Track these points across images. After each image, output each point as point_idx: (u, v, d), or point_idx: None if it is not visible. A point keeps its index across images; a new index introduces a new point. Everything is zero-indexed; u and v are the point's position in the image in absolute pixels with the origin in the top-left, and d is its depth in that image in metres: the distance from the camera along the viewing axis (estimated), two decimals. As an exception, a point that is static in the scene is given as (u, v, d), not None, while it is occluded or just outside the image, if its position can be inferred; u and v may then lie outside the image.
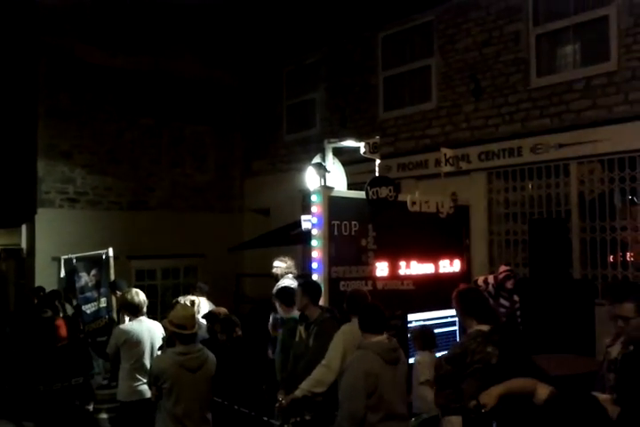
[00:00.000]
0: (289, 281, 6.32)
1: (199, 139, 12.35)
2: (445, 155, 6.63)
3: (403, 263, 5.98)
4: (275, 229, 10.41)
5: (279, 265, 6.60)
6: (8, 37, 11.56)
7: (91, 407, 7.26)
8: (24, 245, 10.66)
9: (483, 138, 8.74)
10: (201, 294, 7.21)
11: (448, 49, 9.31)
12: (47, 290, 8.89)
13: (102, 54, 10.98)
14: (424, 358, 5.16)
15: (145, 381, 4.99)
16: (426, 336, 5.32)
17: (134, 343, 5.11)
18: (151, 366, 4.21)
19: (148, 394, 5.16)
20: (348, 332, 4.49)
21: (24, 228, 10.62)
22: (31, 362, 7.63)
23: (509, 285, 6.33)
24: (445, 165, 6.62)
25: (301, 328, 5.03)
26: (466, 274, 6.69)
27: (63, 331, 7.83)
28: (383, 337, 4.06)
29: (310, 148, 10.06)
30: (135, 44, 11.37)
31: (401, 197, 5.93)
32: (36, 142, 10.50)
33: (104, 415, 6.99)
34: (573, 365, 4.94)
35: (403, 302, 5.91)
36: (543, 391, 2.51)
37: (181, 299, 7.10)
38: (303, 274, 8.42)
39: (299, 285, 5.28)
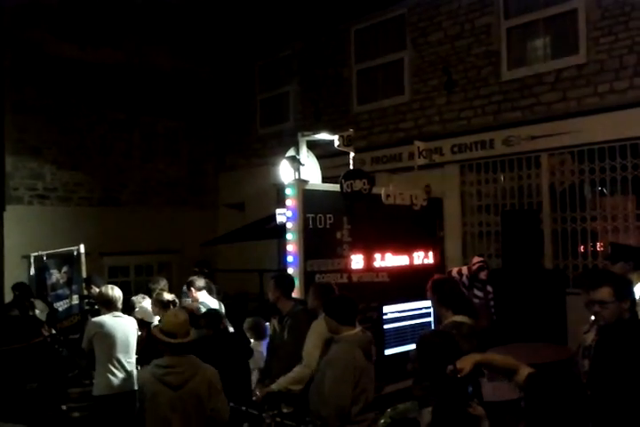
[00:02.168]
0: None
1: (172, 133, 12.20)
2: (418, 148, 6.68)
3: (378, 255, 6.01)
4: (249, 224, 10.36)
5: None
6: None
7: (64, 407, 7.14)
8: (-8, 242, 10.42)
9: (455, 131, 8.80)
10: (197, 290, 6.97)
11: (420, 42, 9.34)
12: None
13: (71, 47, 10.73)
14: None
15: (120, 375, 4.95)
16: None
17: (106, 336, 5.07)
18: (138, 381, 3.76)
19: (124, 388, 5.13)
20: (321, 327, 4.47)
21: (-8, 225, 10.38)
22: None
23: (483, 275, 6.41)
24: (419, 157, 6.66)
25: (275, 321, 5.03)
26: (440, 266, 6.76)
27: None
28: (358, 330, 4.06)
29: (284, 141, 10.01)
30: (105, 36, 11.15)
31: (375, 190, 5.95)
32: (3, 138, 10.25)
33: (77, 414, 6.89)
34: (546, 353, 5.01)
35: (378, 294, 5.95)
36: (525, 372, 2.53)
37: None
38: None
39: (272, 277, 5.27)
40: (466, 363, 2.60)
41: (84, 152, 10.98)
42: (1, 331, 7.77)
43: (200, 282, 7.08)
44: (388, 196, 6.12)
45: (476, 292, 6.45)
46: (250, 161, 12.03)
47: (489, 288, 6.55)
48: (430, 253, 6.64)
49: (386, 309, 6.03)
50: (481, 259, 6.68)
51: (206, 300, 6.72)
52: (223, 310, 6.81)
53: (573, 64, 7.70)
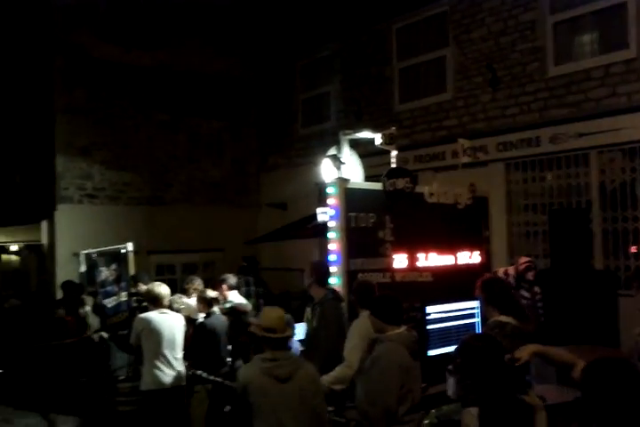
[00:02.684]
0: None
1: (215, 134, 12.39)
2: (463, 146, 6.58)
3: (421, 255, 5.94)
4: (291, 223, 10.41)
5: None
6: (23, 36, 11.67)
7: (113, 401, 7.33)
8: (44, 241, 10.78)
9: (500, 128, 8.65)
10: (228, 288, 7.01)
11: (463, 39, 9.21)
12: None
13: (117, 50, 11.03)
14: None
15: (167, 371, 5.04)
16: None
17: (153, 332, 5.17)
18: (237, 377, 3.62)
19: (171, 384, 5.24)
20: (363, 326, 4.47)
21: (44, 224, 10.74)
22: (47, 357, 7.78)
23: (530, 276, 6.28)
24: (463, 156, 6.56)
25: (308, 310, 5.06)
26: (485, 266, 6.64)
27: (72, 328, 7.95)
28: (403, 329, 4.03)
29: (326, 141, 10.01)
30: (149, 39, 11.41)
31: (418, 189, 5.90)
32: (54, 139, 10.60)
33: (125, 408, 7.06)
34: (599, 355, 4.88)
35: (421, 294, 5.88)
36: (583, 366, 2.43)
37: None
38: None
39: (310, 262, 5.31)
40: (524, 352, 2.55)
41: (130, 153, 11.26)
42: (51, 328, 8.05)
43: (232, 280, 7.07)
44: (431, 194, 6.06)
45: (523, 293, 6.34)
46: (291, 161, 12.10)
47: (536, 289, 6.42)
48: (475, 253, 6.53)
49: (429, 309, 5.95)
50: (528, 259, 6.55)
51: (235, 299, 6.68)
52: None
53: (623, 59, 7.46)
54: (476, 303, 6.25)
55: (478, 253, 6.57)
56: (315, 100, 11.95)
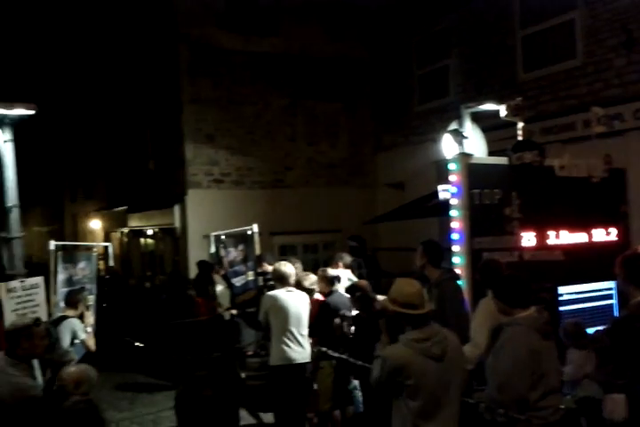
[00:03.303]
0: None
1: (331, 115, 12.47)
2: (596, 114, 6.10)
3: (551, 233, 5.63)
4: (410, 202, 10.28)
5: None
6: (149, 30, 12.40)
7: (243, 375, 7.73)
8: (177, 224, 11.51)
9: (638, 94, 7.91)
10: (344, 266, 7.15)
11: (594, 0, 8.49)
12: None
13: (237, 39, 11.39)
14: (576, 356, 4.77)
15: (294, 347, 5.20)
16: (578, 334, 4.92)
17: (280, 309, 5.37)
18: (385, 360, 3.36)
19: (298, 360, 5.41)
20: (490, 305, 4.32)
21: (176, 208, 11.45)
22: (182, 333, 8.37)
23: (676, 254, 5.72)
24: (597, 125, 6.09)
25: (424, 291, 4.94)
26: (624, 243, 6.14)
27: (202, 308, 8.44)
28: (532, 311, 3.81)
29: (444, 117, 9.75)
30: (267, 26, 11.67)
31: (547, 162, 5.57)
32: (182, 127, 11.21)
33: (255, 382, 7.41)
34: None
35: (552, 274, 5.59)
36: None
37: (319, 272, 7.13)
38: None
39: (421, 243, 5.19)
40: None
41: (253, 138, 11.65)
42: (185, 306, 8.59)
43: (347, 259, 7.16)
44: (561, 167, 5.69)
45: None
46: (408, 139, 11.91)
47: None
48: (612, 230, 6.07)
49: (561, 289, 5.65)
50: (673, 235, 5.98)
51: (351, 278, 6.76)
52: None
53: None
54: (612, 284, 5.84)
55: (615, 229, 6.11)
56: (432, 76, 11.63)
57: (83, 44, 16.35)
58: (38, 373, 4.43)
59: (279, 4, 11.60)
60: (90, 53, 15.97)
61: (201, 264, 9.44)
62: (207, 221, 10.52)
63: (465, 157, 5.27)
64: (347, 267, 7.07)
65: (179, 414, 2.13)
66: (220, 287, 8.47)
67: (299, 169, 12.07)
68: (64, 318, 5.95)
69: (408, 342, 3.35)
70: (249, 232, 8.26)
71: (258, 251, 8.08)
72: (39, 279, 5.63)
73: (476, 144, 5.83)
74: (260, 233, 8.36)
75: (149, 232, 14.00)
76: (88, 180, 19.01)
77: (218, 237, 9.13)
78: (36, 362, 4.92)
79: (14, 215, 5.55)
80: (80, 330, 5.88)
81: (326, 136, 12.42)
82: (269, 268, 7.16)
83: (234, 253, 8.34)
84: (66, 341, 5.75)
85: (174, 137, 11.58)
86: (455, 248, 5.25)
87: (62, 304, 6.57)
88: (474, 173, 5.22)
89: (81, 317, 6.10)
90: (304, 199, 11.60)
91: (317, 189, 11.98)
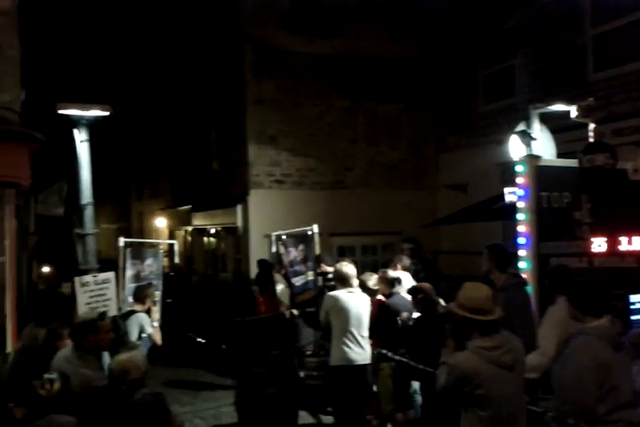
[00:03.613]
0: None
1: (393, 116, 12.40)
2: (675, 115, 5.82)
3: (623, 238, 5.42)
4: (473, 204, 10.08)
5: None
6: (215, 32, 12.67)
7: (301, 374, 7.79)
8: (239, 223, 11.71)
9: None
10: (403, 269, 7.11)
11: (674, -6, 8.10)
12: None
13: (300, 41, 11.48)
14: None
15: (354, 348, 5.21)
16: None
17: (341, 310, 5.37)
18: (453, 367, 3.25)
19: (358, 361, 5.41)
20: (559, 312, 4.19)
21: (239, 208, 11.66)
22: (244, 329, 8.54)
23: None
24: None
25: None
26: (703, 251, 5.83)
27: (263, 306, 8.56)
28: (605, 320, 3.66)
29: (510, 118, 9.52)
30: (329, 27, 11.72)
31: (620, 165, 5.36)
32: (245, 128, 11.40)
33: (313, 382, 7.45)
34: None
35: (624, 281, 5.38)
36: None
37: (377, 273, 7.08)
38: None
39: (486, 247, 5.08)
40: None
41: (314, 139, 11.72)
42: (247, 303, 8.73)
43: (406, 261, 7.09)
44: (635, 171, 5.47)
45: None
46: (471, 140, 11.69)
47: None
48: (689, 236, 5.77)
49: (634, 298, 5.42)
50: None
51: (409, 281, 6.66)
52: None
53: None
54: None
55: (694, 236, 5.80)
56: (497, 76, 11.38)
57: (152, 46, 16.89)
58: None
59: (342, 5, 11.62)
60: (158, 55, 16.49)
61: (261, 263, 9.59)
62: (268, 220, 10.66)
63: (533, 158, 5.15)
64: (405, 269, 7.03)
65: (239, 411, 2.15)
66: (280, 286, 8.57)
67: (359, 170, 12.06)
68: (132, 312, 6.17)
69: (476, 350, 3.21)
70: (309, 232, 8.32)
71: (317, 251, 8.13)
72: (111, 274, 5.85)
73: (544, 146, 5.67)
74: (320, 233, 8.40)
75: (212, 231, 14.32)
76: (154, 179, 19.65)
77: (279, 237, 9.24)
78: (106, 355, 5.14)
79: (89, 212, 5.79)
80: (147, 324, 6.09)
81: (387, 137, 12.36)
82: (328, 268, 7.19)
83: (294, 253, 8.41)
84: (134, 334, 5.97)
85: (238, 138, 11.79)
86: (521, 253, 5.14)
87: (130, 299, 6.83)
88: (542, 175, 5.10)
89: (148, 312, 6.31)
90: (364, 200, 11.58)
91: (377, 191, 11.93)
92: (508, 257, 4.92)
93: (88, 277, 5.61)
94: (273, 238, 9.63)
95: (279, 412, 2.06)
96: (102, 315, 4.43)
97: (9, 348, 5.73)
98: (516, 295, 4.65)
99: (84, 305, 5.49)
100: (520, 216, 5.17)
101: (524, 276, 5.09)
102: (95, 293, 5.58)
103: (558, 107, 5.57)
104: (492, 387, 3.15)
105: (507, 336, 3.34)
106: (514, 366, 3.25)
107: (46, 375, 3.91)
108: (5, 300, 5.80)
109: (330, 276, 6.72)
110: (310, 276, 8.16)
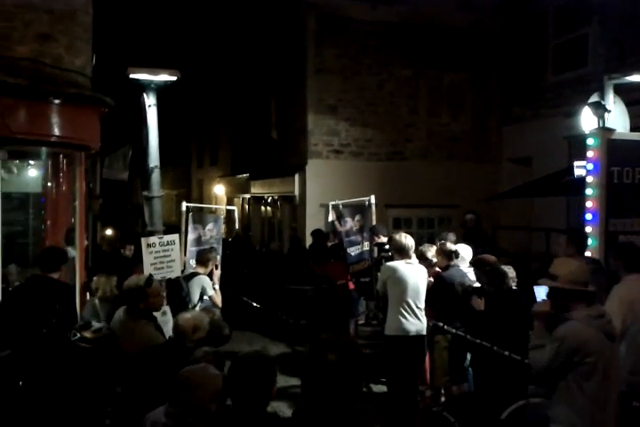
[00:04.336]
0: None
1: (456, 86, 12.08)
2: None
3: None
4: (538, 178, 9.79)
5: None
6: (277, 0, 12.55)
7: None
8: (296, 192, 11.80)
9: None
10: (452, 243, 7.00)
11: None
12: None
13: (363, 7, 11.25)
14: None
15: (410, 319, 5.22)
16: None
17: (398, 280, 5.39)
18: (563, 340, 3.19)
19: (413, 332, 5.43)
20: (625, 291, 4.07)
21: (297, 177, 11.73)
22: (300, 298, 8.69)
23: None
24: None
25: None
26: None
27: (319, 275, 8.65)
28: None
29: (581, 89, 9.11)
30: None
31: (701, 140, 5.07)
32: (305, 98, 11.37)
33: (367, 351, 7.53)
34: None
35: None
36: None
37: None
38: None
39: (563, 232, 4.96)
40: None
41: (373, 109, 11.59)
42: (301, 272, 8.80)
43: (452, 238, 7.03)
44: None
45: None
46: (538, 112, 11.28)
47: None
48: None
49: None
50: None
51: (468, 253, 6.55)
52: None
53: None
54: None
55: None
56: (569, 45, 10.85)
57: (217, 14, 16.90)
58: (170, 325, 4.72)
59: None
60: (223, 24, 16.51)
61: (316, 233, 9.67)
62: (325, 190, 10.70)
63: (606, 131, 4.94)
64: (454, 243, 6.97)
65: (303, 376, 2.19)
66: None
67: (418, 141, 11.87)
68: (195, 274, 6.37)
69: (585, 318, 3.19)
70: (366, 203, 8.32)
71: (374, 222, 8.13)
72: (175, 236, 6.04)
73: (617, 118, 5.41)
74: (376, 205, 8.38)
75: (269, 199, 14.49)
76: (214, 147, 19.95)
77: (336, 207, 9.27)
78: (169, 313, 5.33)
79: (155, 176, 5.94)
80: (209, 287, 6.28)
81: (449, 108, 12.07)
82: (383, 239, 7.19)
83: (350, 223, 8.43)
84: (195, 296, 6.17)
85: (297, 107, 11.78)
86: (588, 229, 4.98)
87: (192, 262, 7.03)
88: (614, 149, 4.91)
89: (210, 274, 6.50)
90: (422, 172, 11.43)
91: (437, 163, 11.74)
92: (586, 242, 4.80)
93: (154, 239, 5.79)
94: (330, 208, 9.67)
95: (342, 378, 2.08)
96: (149, 280, 4.46)
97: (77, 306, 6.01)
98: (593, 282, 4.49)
99: (150, 266, 5.70)
100: (588, 191, 5.00)
101: (588, 253, 4.95)
102: (160, 254, 5.76)
103: (636, 78, 5.28)
104: (601, 355, 3.15)
105: (603, 308, 3.39)
106: (615, 336, 3.29)
107: (94, 323, 4.08)
108: (75, 259, 6.08)
109: (386, 247, 6.71)
110: (366, 246, 8.18)
